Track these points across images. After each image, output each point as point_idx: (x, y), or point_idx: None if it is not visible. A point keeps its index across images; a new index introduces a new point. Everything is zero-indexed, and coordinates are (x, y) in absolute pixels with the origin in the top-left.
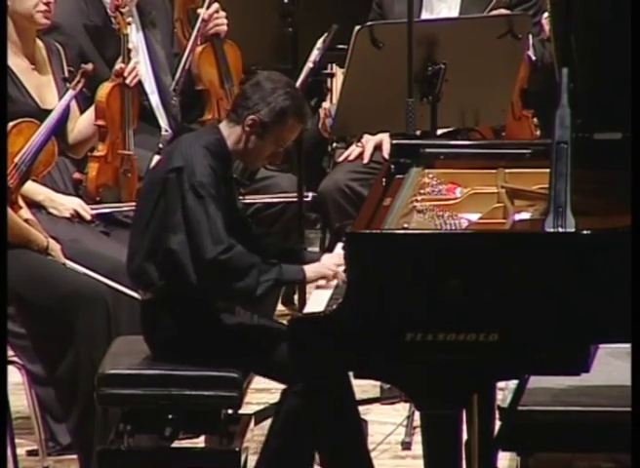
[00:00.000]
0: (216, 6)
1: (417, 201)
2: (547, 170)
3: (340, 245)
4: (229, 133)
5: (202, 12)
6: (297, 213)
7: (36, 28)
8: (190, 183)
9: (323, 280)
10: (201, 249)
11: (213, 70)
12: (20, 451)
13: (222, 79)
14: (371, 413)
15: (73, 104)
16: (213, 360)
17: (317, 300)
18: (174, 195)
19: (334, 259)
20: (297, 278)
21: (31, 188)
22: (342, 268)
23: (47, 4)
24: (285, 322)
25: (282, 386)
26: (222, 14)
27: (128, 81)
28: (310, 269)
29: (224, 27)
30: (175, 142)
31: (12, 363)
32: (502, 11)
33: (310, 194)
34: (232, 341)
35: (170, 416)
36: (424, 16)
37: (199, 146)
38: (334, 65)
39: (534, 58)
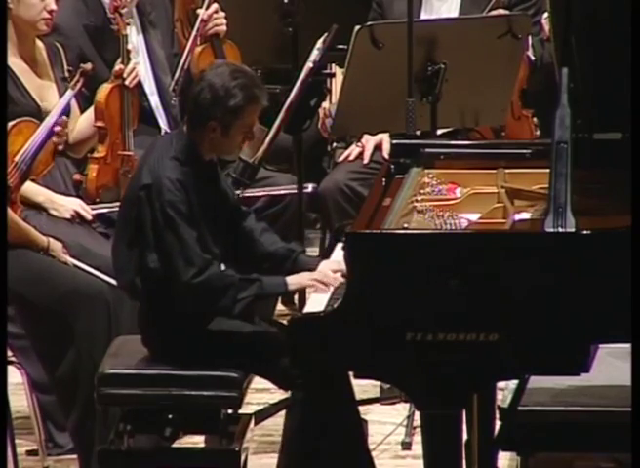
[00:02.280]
0: (215, 6)
1: (417, 201)
2: (547, 170)
3: (339, 245)
4: (194, 138)
5: (201, 12)
6: (296, 212)
7: (37, 33)
8: (160, 203)
9: (313, 288)
10: (175, 271)
11: None
12: (20, 451)
13: None
14: (371, 413)
15: (74, 104)
16: (212, 363)
17: (317, 300)
18: (146, 214)
19: (326, 268)
20: (278, 291)
21: (32, 189)
22: (339, 274)
23: (50, 12)
24: (285, 322)
25: None
26: (222, 14)
27: (127, 82)
28: (292, 282)
29: (224, 27)
30: (147, 149)
31: (12, 363)
32: (501, 11)
33: (310, 185)
34: (231, 343)
35: (170, 416)
36: (424, 16)
37: (167, 159)
38: (334, 65)
39: (532, 58)
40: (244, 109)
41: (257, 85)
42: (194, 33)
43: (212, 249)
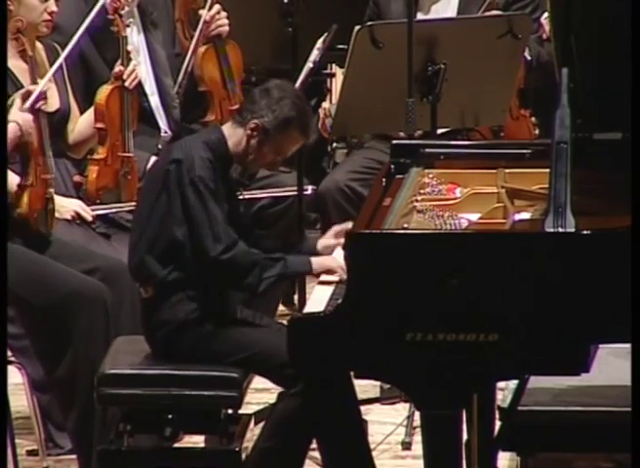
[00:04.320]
0: (217, 7)
1: (417, 201)
2: (547, 170)
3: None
4: (231, 134)
5: (204, 13)
6: (297, 212)
7: (37, 34)
8: (190, 178)
9: (329, 275)
10: (202, 247)
11: (215, 71)
12: (20, 451)
13: (225, 80)
14: (371, 413)
15: (74, 105)
16: (213, 359)
17: (317, 300)
18: (174, 187)
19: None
20: (303, 270)
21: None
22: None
23: (50, 13)
24: (285, 322)
25: None
26: (224, 14)
27: (127, 83)
28: (317, 261)
29: (226, 28)
30: (166, 145)
31: (12, 363)
32: (495, 12)
33: (310, 187)
34: (232, 340)
35: (170, 416)
36: (419, 16)
37: (199, 141)
38: (334, 65)
39: (529, 57)
40: (290, 128)
41: (312, 120)
42: (197, 35)
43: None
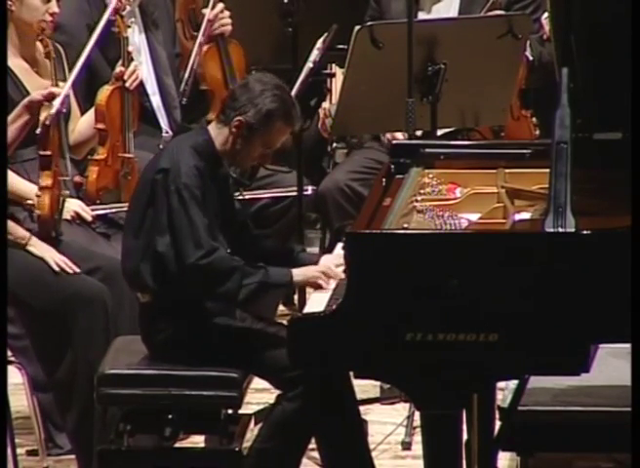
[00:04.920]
0: (221, 6)
1: (417, 201)
2: (547, 170)
3: (340, 245)
4: (217, 134)
5: (207, 12)
6: (297, 212)
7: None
8: (175, 185)
9: (315, 286)
10: (182, 253)
11: (217, 70)
12: (21, 451)
13: (227, 79)
14: (371, 413)
15: (74, 105)
16: (211, 363)
17: (317, 300)
18: (160, 197)
19: (329, 262)
20: (283, 281)
21: (32, 191)
22: (341, 269)
23: (52, 14)
24: (285, 322)
25: None
26: (227, 13)
27: (128, 84)
28: (298, 273)
29: (229, 27)
30: (167, 144)
31: (12, 363)
32: (496, 12)
33: (310, 188)
34: (231, 344)
35: (170, 416)
36: (420, 16)
37: (186, 147)
38: (334, 65)
39: (530, 57)
40: (274, 120)
41: (295, 108)
42: (201, 34)
43: (219, 238)
